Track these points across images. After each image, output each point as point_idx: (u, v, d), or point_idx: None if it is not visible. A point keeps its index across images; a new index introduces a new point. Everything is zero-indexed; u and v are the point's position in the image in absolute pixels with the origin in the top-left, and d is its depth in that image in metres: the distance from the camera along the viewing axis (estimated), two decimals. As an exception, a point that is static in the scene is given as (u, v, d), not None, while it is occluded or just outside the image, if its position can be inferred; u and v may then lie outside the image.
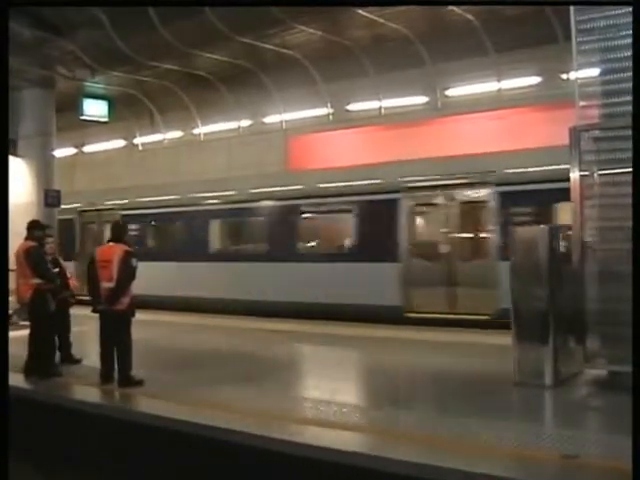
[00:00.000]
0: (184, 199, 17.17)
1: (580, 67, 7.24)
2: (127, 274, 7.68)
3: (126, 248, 7.82)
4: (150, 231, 18.24)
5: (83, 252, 18.41)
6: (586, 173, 7.03)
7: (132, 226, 17.09)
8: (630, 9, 6.44)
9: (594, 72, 7.28)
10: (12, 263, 8.09)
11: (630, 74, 6.37)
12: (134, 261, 7.78)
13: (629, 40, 6.54)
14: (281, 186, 15.87)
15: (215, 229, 16.67)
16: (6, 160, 8.01)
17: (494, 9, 15.77)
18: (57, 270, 8.85)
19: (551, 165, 11.28)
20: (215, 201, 16.72)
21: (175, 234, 17.52)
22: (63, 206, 18.41)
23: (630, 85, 6.35)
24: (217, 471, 5.90)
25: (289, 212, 15.11)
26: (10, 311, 9.33)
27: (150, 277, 16.44)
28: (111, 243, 7.97)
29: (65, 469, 6.89)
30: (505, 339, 7.47)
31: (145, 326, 10.98)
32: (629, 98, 6.39)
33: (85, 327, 8.79)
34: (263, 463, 5.54)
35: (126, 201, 18.52)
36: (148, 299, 16.04)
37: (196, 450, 5.99)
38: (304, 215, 15.12)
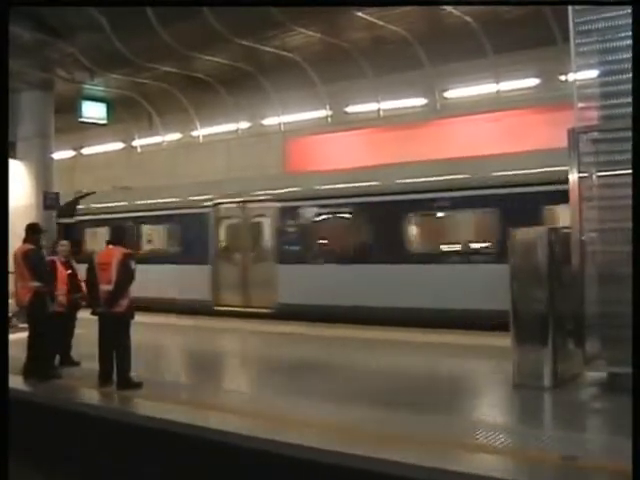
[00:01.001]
0: (381, 186, 13.72)
1: (579, 69, 7.24)
2: (126, 277, 7.66)
3: (125, 251, 7.82)
4: (323, 228, 14.48)
5: (222, 254, 15.55)
6: (585, 175, 7.04)
7: (290, 222, 14.58)
8: (629, 10, 6.44)
9: (593, 74, 7.29)
10: (11, 266, 8.10)
11: (629, 76, 6.37)
12: (133, 263, 7.78)
13: (628, 42, 6.55)
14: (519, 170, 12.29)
15: (420, 223, 13.32)
16: (6, 162, 7.99)
17: (493, 11, 15.81)
18: (70, 272, 8.94)
19: None
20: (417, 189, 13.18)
21: (360, 230, 13.90)
22: (191, 197, 16.13)
23: (629, 87, 6.35)
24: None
25: (527, 201, 11.64)
26: (9, 313, 9.32)
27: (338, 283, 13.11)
28: (110, 245, 7.95)
29: (64, 469, 6.89)
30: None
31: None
32: (628, 100, 6.38)
33: (84, 330, 8.77)
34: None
35: (282, 191, 15.04)
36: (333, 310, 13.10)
37: None
38: (549, 206, 11.47)
